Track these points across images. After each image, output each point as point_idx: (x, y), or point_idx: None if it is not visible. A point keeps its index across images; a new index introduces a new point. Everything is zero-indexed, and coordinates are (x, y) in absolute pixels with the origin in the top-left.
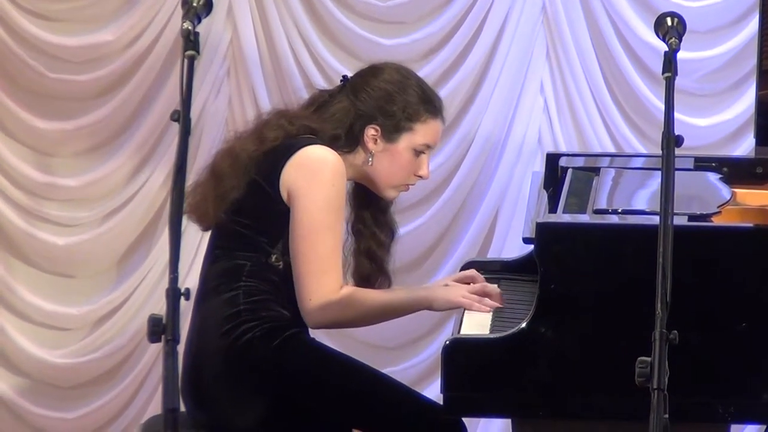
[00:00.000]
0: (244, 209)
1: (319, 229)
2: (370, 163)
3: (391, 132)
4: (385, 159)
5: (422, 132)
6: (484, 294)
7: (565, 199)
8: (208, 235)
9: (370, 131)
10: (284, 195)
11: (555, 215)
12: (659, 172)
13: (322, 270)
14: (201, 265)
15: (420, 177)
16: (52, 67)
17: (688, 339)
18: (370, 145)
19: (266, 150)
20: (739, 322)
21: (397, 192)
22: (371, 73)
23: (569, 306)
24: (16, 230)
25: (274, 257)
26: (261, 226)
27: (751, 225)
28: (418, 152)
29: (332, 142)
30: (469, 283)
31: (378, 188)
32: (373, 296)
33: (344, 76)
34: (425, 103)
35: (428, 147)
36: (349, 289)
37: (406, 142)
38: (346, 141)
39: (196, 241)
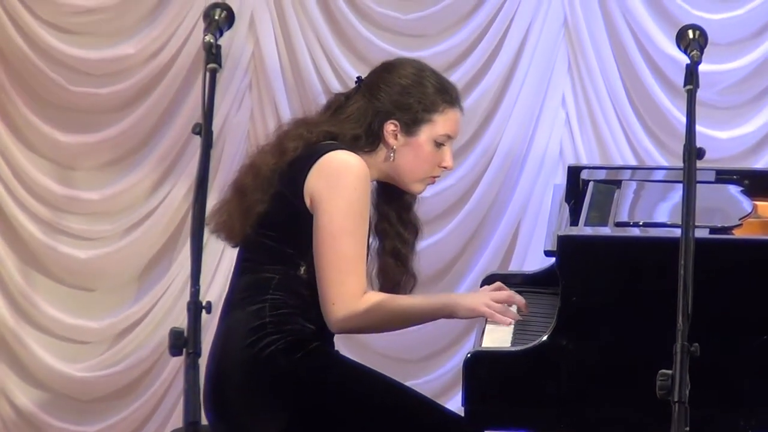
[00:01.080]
0: (271, 222)
1: (341, 233)
2: (392, 159)
3: (410, 125)
4: (408, 153)
5: (441, 123)
6: (510, 302)
7: (586, 212)
8: (229, 248)
9: (390, 126)
10: (308, 202)
11: (576, 228)
12: (680, 185)
13: (344, 274)
14: (222, 278)
15: (444, 168)
16: (74, 80)
17: (709, 352)
18: (391, 140)
19: (288, 161)
20: (760, 335)
21: (424, 185)
22: (385, 69)
23: (590, 319)
24: (37, 244)
25: (302, 269)
26: (288, 238)
27: None
28: (439, 144)
29: (353, 143)
30: None
31: (404, 183)
32: (397, 302)
33: (359, 77)
34: (441, 93)
35: (449, 137)
36: (373, 295)
37: (426, 134)
38: (367, 140)
39: (218, 254)
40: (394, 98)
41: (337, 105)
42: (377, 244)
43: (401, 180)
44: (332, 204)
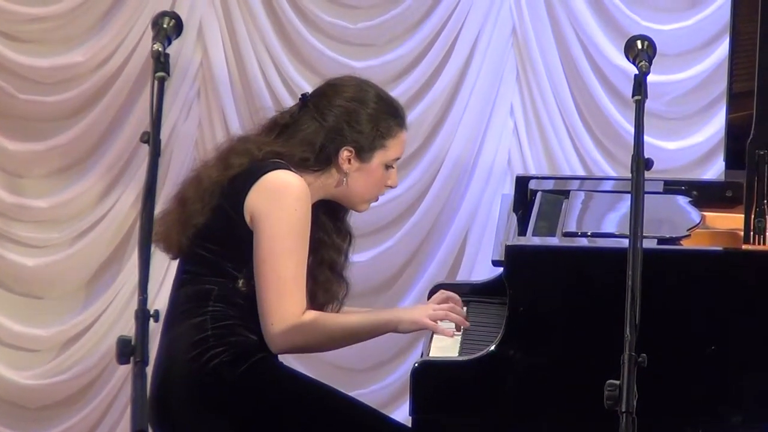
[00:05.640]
0: (210, 234)
1: (280, 253)
2: (345, 183)
3: (365, 151)
4: (360, 178)
5: (393, 147)
6: (448, 318)
7: (534, 222)
8: None
9: (344, 153)
10: (248, 219)
11: (524, 238)
12: (629, 195)
13: (283, 294)
14: (170, 286)
15: (389, 187)
16: (22, 88)
17: (657, 362)
18: (345, 166)
19: (231, 176)
20: (707, 345)
21: (369, 204)
22: (332, 90)
23: (538, 329)
24: None
25: (240, 282)
26: (227, 251)
27: (720, 248)
28: (388, 166)
29: (300, 164)
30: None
31: (352, 204)
32: (337, 320)
33: (303, 95)
34: (393, 116)
35: (397, 160)
36: (313, 314)
37: (379, 159)
38: (316, 162)
39: (165, 262)
40: (346, 123)
41: (284, 124)
42: (312, 255)
43: (350, 202)
44: (273, 224)
